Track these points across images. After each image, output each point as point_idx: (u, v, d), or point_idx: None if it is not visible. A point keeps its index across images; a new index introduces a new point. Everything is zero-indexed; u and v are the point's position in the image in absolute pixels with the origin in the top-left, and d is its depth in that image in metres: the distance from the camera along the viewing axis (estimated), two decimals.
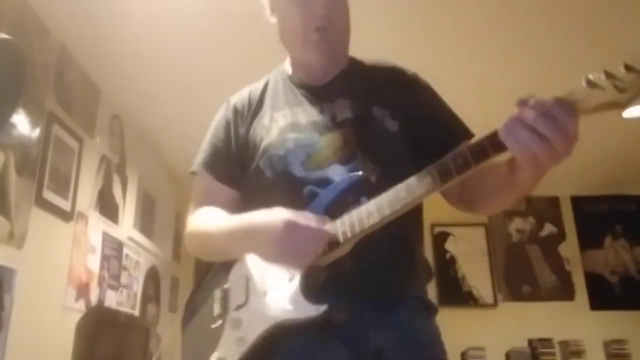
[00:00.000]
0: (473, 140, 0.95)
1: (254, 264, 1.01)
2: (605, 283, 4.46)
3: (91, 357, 2.36)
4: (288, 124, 1.08)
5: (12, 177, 2.03)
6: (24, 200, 2.11)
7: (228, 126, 1.16)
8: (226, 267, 1.07)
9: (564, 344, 4.09)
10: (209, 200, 1.13)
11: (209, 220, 1.09)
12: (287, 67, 1.21)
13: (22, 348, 2.01)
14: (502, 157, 0.84)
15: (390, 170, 0.93)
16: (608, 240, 4.57)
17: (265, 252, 0.94)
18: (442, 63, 2.74)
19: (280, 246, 0.89)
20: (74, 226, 2.52)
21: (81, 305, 2.54)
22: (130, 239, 3.25)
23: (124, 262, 3.13)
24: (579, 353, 4.06)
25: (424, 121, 1.07)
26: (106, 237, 2.88)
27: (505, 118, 0.78)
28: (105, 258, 2.85)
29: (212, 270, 1.13)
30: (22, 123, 2.11)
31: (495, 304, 4.36)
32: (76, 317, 2.44)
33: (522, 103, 0.76)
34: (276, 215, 0.91)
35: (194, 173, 1.18)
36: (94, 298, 2.69)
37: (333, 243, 0.91)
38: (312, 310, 0.88)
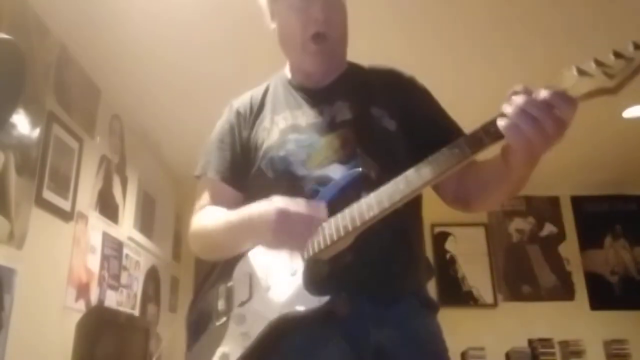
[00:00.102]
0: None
1: (257, 261, 1.03)
2: (605, 283, 4.46)
3: (91, 357, 2.36)
4: (288, 126, 1.11)
5: (12, 177, 2.03)
6: (24, 200, 2.11)
7: (232, 129, 1.19)
8: (229, 266, 1.09)
9: (564, 344, 4.09)
10: (214, 202, 1.16)
11: (209, 218, 1.12)
12: (286, 72, 1.24)
13: (22, 348, 2.01)
14: (497, 147, 0.85)
15: (389, 166, 0.95)
16: (608, 240, 4.57)
17: (265, 239, 0.98)
18: (439, 64, 2.75)
19: (276, 231, 0.94)
20: (74, 226, 2.52)
21: (81, 305, 2.54)
22: (130, 239, 3.25)
23: (124, 262, 3.13)
24: (579, 353, 4.06)
25: (421, 121, 1.11)
26: (106, 237, 2.88)
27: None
28: (105, 258, 2.85)
29: (215, 270, 1.14)
30: (22, 123, 2.11)
31: (495, 304, 4.36)
32: (76, 317, 2.44)
33: (517, 92, 0.79)
34: (269, 204, 0.96)
35: (198, 176, 1.21)
36: (94, 298, 2.69)
37: (335, 237, 0.93)
38: (314, 302, 0.90)
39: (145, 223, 3.70)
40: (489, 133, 0.80)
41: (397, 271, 1.01)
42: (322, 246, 0.93)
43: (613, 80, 0.71)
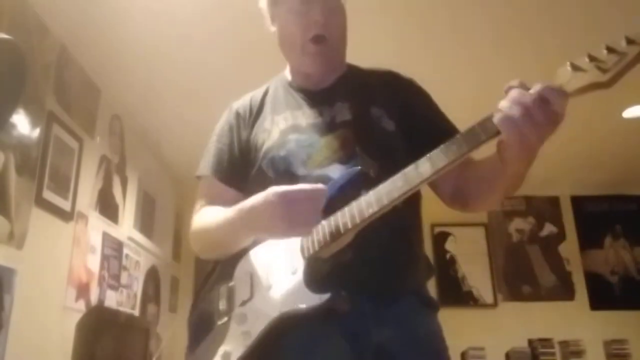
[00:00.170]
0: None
1: (258, 260, 1.04)
2: (605, 283, 4.46)
3: (91, 357, 2.36)
4: (289, 126, 1.12)
5: (12, 177, 2.03)
6: (24, 200, 2.11)
7: (231, 130, 1.20)
8: (230, 266, 1.09)
9: (564, 344, 4.09)
10: (214, 202, 1.16)
11: (209, 217, 1.12)
12: (286, 74, 1.25)
13: (22, 348, 2.01)
14: (494, 143, 0.85)
15: (388, 165, 0.95)
16: (608, 240, 4.58)
17: (271, 229, 0.96)
18: (433, 67, 2.75)
19: (284, 217, 0.91)
20: (74, 226, 2.52)
21: (81, 305, 2.54)
22: (130, 239, 3.25)
23: (124, 262, 3.13)
24: (579, 353, 4.06)
25: (419, 121, 1.12)
26: (106, 237, 2.88)
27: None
28: (105, 258, 2.85)
29: (216, 270, 1.15)
30: (22, 123, 2.11)
31: (495, 304, 4.36)
32: (76, 317, 2.44)
33: (513, 86, 0.80)
34: (268, 192, 0.94)
35: (199, 177, 1.22)
36: (94, 298, 2.69)
37: (335, 234, 0.93)
38: (315, 300, 0.90)
39: (145, 223, 3.70)
40: (485, 129, 0.81)
41: (396, 269, 1.02)
42: (322, 244, 0.94)
43: (606, 74, 0.72)
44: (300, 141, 1.09)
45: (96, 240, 2.77)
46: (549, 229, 4.62)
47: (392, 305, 0.99)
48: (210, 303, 1.11)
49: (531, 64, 2.43)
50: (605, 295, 4.40)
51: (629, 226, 4.59)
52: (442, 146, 0.86)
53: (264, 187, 1.07)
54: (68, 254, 2.46)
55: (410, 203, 1.02)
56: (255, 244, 1.05)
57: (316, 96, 1.17)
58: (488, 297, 4.39)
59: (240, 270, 1.07)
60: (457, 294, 4.38)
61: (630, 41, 0.72)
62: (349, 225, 0.91)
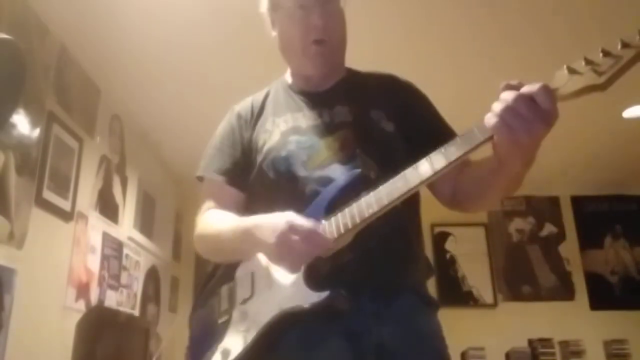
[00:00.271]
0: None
1: (259, 260, 1.05)
2: (605, 283, 4.46)
3: (91, 357, 2.36)
4: (289, 127, 1.14)
5: (12, 177, 2.03)
6: (24, 200, 2.11)
7: (233, 132, 1.21)
8: (232, 267, 1.11)
9: (564, 344, 4.09)
10: (218, 203, 1.17)
11: (216, 222, 1.13)
12: (287, 77, 1.27)
13: (22, 348, 2.01)
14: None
15: (388, 167, 0.97)
16: (608, 240, 4.58)
17: (265, 251, 0.98)
18: (439, 69, 2.75)
19: (275, 246, 0.93)
20: (74, 226, 2.52)
21: (81, 305, 2.54)
22: (130, 239, 3.25)
23: (124, 262, 3.13)
24: (579, 353, 4.06)
25: (418, 122, 1.14)
26: (106, 237, 2.88)
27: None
28: (105, 258, 2.85)
29: (218, 270, 1.16)
30: (22, 123, 2.11)
31: (495, 304, 4.37)
32: (76, 317, 2.44)
33: (507, 86, 0.81)
34: (281, 215, 0.95)
35: (201, 178, 1.23)
36: (94, 298, 2.69)
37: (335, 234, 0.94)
38: (314, 297, 0.92)
39: (145, 223, 3.70)
40: (483, 130, 0.82)
41: (396, 268, 1.03)
42: None
43: (602, 77, 0.74)
44: (301, 142, 1.10)
45: (96, 240, 2.77)
46: (549, 229, 4.62)
47: (392, 304, 1.00)
48: (211, 303, 1.12)
49: (538, 60, 2.44)
50: (605, 295, 4.40)
51: (629, 226, 4.59)
52: (441, 148, 0.87)
53: (264, 187, 1.09)
54: (68, 254, 2.46)
55: (410, 204, 1.04)
56: None
57: (316, 98, 1.18)
58: (488, 297, 4.39)
59: (241, 271, 1.08)
60: (457, 294, 4.38)
61: (625, 45, 0.73)
62: (349, 225, 0.92)
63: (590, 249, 4.54)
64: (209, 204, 1.19)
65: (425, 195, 1.15)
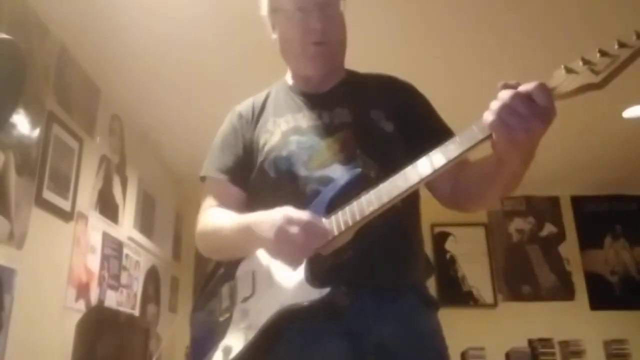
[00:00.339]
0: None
1: (261, 259, 1.05)
2: (605, 283, 4.46)
3: (91, 357, 2.36)
4: (290, 128, 1.15)
5: (12, 177, 2.03)
6: (24, 200, 2.11)
7: (235, 132, 1.22)
8: (233, 266, 1.11)
9: (564, 344, 4.10)
10: (220, 201, 1.18)
11: (217, 219, 1.14)
12: (287, 79, 1.29)
13: (22, 348, 2.01)
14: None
15: (388, 166, 0.97)
16: (608, 240, 4.58)
17: (263, 243, 0.99)
18: (436, 70, 2.75)
19: (274, 240, 0.94)
20: (74, 226, 2.52)
21: (81, 305, 2.54)
22: (130, 239, 3.25)
23: (124, 262, 3.13)
24: (579, 353, 4.06)
25: (417, 122, 1.15)
26: (106, 237, 2.88)
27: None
28: (105, 258, 2.85)
29: (219, 270, 1.17)
30: (22, 123, 2.11)
31: (495, 304, 4.37)
32: (76, 317, 2.44)
33: (505, 86, 0.82)
34: (279, 210, 0.96)
35: (203, 178, 1.24)
36: (94, 298, 2.69)
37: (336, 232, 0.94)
38: (315, 294, 0.92)
39: (145, 223, 3.70)
40: (482, 128, 0.83)
41: (396, 266, 1.04)
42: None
43: (599, 76, 0.75)
44: (302, 143, 1.11)
45: (96, 240, 2.77)
46: (549, 229, 4.62)
47: (393, 303, 1.01)
48: (212, 302, 1.13)
49: (535, 64, 2.45)
50: (605, 295, 4.40)
51: (629, 226, 4.59)
52: (440, 146, 0.88)
53: (265, 187, 1.10)
54: (68, 254, 2.46)
55: (409, 203, 1.05)
56: None
57: (316, 100, 1.19)
58: (488, 297, 4.39)
59: (242, 269, 1.09)
60: (457, 294, 4.38)
61: (621, 44, 0.75)
62: (350, 223, 0.93)
63: (590, 249, 4.54)
64: (210, 202, 1.20)
65: (425, 195, 1.15)
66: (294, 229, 0.91)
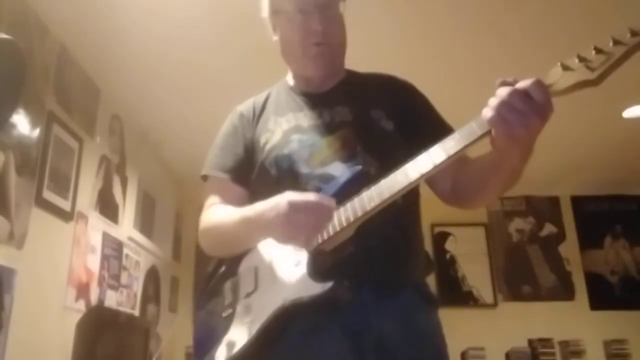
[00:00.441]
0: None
1: (263, 255, 1.07)
2: (605, 283, 4.46)
3: (91, 357, 2.36)
4: (291, 127, 1.16)
5: (12, 177, 2.03)
6: (24, 200, 2.11)
7: (236, 131, 1.24)
8: (235, 263, 1.12)
9: (564, 344, 4.10)
10: (222, 200, 1.19)
11: (220, 215, 1.15)
12: (288, 79, 1.30)
13: (22, 348, 2.01)
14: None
15: (388, 163, 0.98)
16: (608, 240, 4.58)
17: (273, 233, 0.99)
18: (435, 69, 2.75)
19: (284, 226, 0.94)
20: (74, 226, 2.52)
21: (81, 305, 2.54)
22: (130, 239, 3.25)
23: (124, 262, 3.13)
24: (579, 353, 4.06)
25: (417, 121, 1.16)
26: (106, 237, 2.88)
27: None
28: (105, 258, 2.85)
29: (221, 267, 1.17)
30: (22, 123, 2.11)
31: (495, 304, 4.37)
32: (76, 317, 2.44)
33: (503, 83, 0.84)
34: (280, 198, 0.97)
35: (205, 177, 1.24)
36: (94, 298, 2.69)
37: (337, 227, 0.95)
38: (317, 289, 0.93)
39: (145, 223, 3.70)
40: (481, 124, 0.85)
41: (397, 263, 1.05)
42: (326, 237, 0.96)
43: (594, 72, 0.77)
44: (303, 141, 1.12)
45: (96, 240, 2.77)
46: (549, 229, 4.62)
47: (393, 299, 1.02)
48: (215, 299, 1.14)
49: (533, 62, 2.45)
50: (605, 295, 4.40)
51: (629, 226, 4.59)
52: (440, 142, 0.89)
53: (266, 185, 1.11)
54: (68, 254, 2.46)
55: (410, 200, 1.07)
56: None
57: (316, 99, 1.20)
58: (488, 297, 4.39)
59: (245, 266, 1.10)
60: (457, 294, 4.38)
61: (616, 42, 0.76)
62: (352, 219, 0.94)
63: (590, 249, 4.54)
64: (212, 201, 1.21)
65: (425, 195, 1.16)
66: (301, 214, 0.93)
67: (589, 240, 4.56)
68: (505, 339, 4.09)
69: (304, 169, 1.08)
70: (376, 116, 1.15)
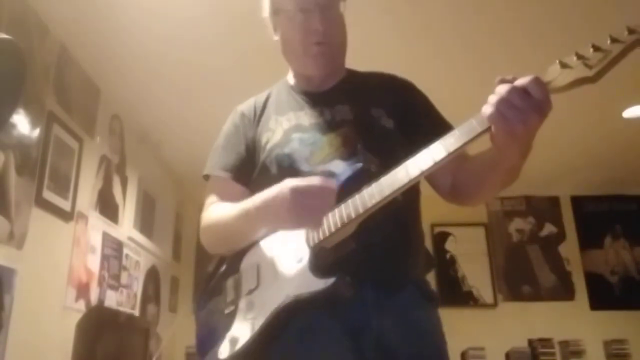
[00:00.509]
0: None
1: (264, 252, 1.07)
2: (605, 283, 4.46)
3: (91, 357, 2.36)
4: (292, 125, 1.17)
5: (12, 177, 2.03)
6: (24, 200, 2.11)
7: (237, 131, 1.24)
8: (237, 260, 1.12)
9: (564, 344, 4.10)
10: (224, 198, 1.19)
11: (221, 211, 1.15)
12: (289, 79, 1.31)
13: (22, 348, 2.01)
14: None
15: (389, 161, 0.98)
16: (608, 240, 4.58)
17: (280, 221, 0.99)
18: (434, 68, 2.75)
19: (291, 211, 0.95)
20: (74, 226, 2.52)
21: (81, 305, 2.54)
22: (130, 239, 3.25)
23: (124, 262, 3.13)
24: (579, 353, 4.06)
25: (417, 119, 1.17)
26: (106, 237, 2.88)
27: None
28: (105, 258, 2.85)
29: (222, 266, 1.17)
30: (22, 123, 2.11)
31: (495, 304, 4.37)
32: (76, 317, 2.44)
33: (502, 80, 0.85)
34: (282, 185, 0.98)
35: (207, 176, 1.25)
36: (94, 298, 2.69)
37: (339, 224, 0.96)
38: (320, 284, 0.93)
39: (145, 223, 3.70)
40: (480, 121, 0.86)
41: (397, 260, 1.06)
42: (327, 233, 0.97)
43: (592, 70, 0.78)
44: (304, 139, 1.13)
45: (96, 240, 2.77)
46: (549, 229, 4.62)
47: (394, 296, 1.03)
48: (217, 297, 1.14)
49: (532, 61, 2.45)
50: (605, 295, 4.40)
51: (629, 226, 4.59)
52: (440, 140, 0.90)
53: (267, 183, 1.10)
54: (68, 254, 2.46)
55: (410, 197, 1.08)
56: (262, 237, 1.08)
57: (317, 98, 1.21)
58: (488, 297, 4.39)
59: (246, 263, 1.10)
60: (457, 294, 4.38)
61: (614, 40, 0.78)
62: (353, 216, 0.94)
63: (590, 249, 4.54)
64: (213, 199, 1.21)
65: (426, 195, 1.17)
66: (305, 200, 0.93)
67: (589, 240, 4.56)
68: (505, 339, 4.09)
69: (304, 167, 1.09)
70: (377, 115, 1.15)
